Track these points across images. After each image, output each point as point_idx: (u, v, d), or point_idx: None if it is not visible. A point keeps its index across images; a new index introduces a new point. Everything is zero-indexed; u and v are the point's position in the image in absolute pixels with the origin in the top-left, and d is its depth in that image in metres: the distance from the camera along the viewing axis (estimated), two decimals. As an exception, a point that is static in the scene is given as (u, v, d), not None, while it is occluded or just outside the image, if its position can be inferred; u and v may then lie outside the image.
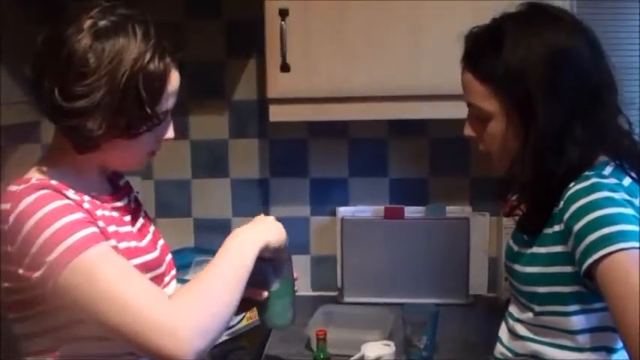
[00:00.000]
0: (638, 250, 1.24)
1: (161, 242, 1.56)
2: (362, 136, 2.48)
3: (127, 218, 1.48)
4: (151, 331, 1.21)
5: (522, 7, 1.45)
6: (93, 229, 1.28)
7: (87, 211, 1.32)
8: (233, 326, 2.10)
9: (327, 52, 2.05)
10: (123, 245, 1.38)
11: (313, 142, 2.50)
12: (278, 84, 2.06)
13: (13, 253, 1.27)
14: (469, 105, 1.48)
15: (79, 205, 1.31)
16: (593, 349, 1.39)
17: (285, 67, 2.04)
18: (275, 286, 1.56)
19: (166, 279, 1.51)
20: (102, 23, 1.31)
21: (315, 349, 1.95)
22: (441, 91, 1.99)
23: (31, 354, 1.37)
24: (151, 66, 1.32)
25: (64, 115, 1.31)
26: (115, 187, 1.54)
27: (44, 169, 1.37)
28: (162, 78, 1.35)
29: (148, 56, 1.32)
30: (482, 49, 1.43)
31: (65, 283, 1.23)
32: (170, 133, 1.45)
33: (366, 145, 2.49)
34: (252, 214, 2.47)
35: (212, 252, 2.34)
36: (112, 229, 1.37)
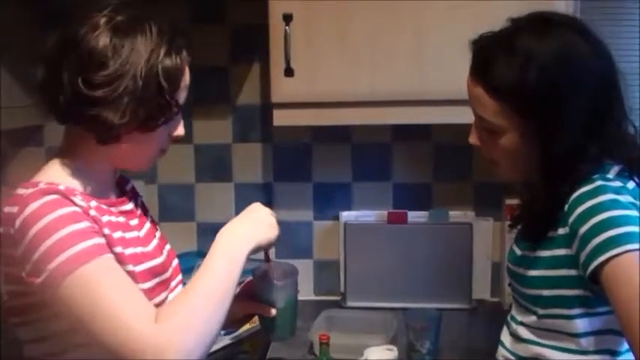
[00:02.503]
0: None
1: (167, 247, 1.56)
2: (365, 140, 2.48)
3: (134, 223, 1.48)
4: (139, 351, 1.22)
5: (529, 17, 1.42)
6: (97, 240, 1.28)
7: (93, 218, 1.32)
8: (234, 331, 2.10)
9: (330, 56, 2.06)
10: (129, 251, 1.38)
11: (317, 147, 2.50)
12: (282, 88, 2.07)
13: (17, 257, 1.27)
14: (478, 117, 1.46)
15: (85, 212, 1.31)
16: (597, 351, 1.39)
17: (289, 72, 2.05)
18: (282, 302, 1.55)
19: (172, 284, 1.52)
20: (119, 19, 1.34)
21: (318, 353, 1.95)
22: (445, 96, 1.99)
23: (32, 359, 1.37)
24: (168, 60, 1.35)
25: (87, 104, 1.32)
26: (122, 191, 1.54)
27: (53, 172, 1.38)
28: (180, 69, 1.38)
29: (164, 49, 1.35)
30: (494, 65, 1.39)
31: (64, 292, 1.24)
32: (181, 130, 1.47)
33: (370, 149, 2.49)
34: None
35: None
36: (117, 235, 1.37)
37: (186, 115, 2.21)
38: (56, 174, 1.37)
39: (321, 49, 2.05)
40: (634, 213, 1.30)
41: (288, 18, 2.02)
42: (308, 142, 2.50)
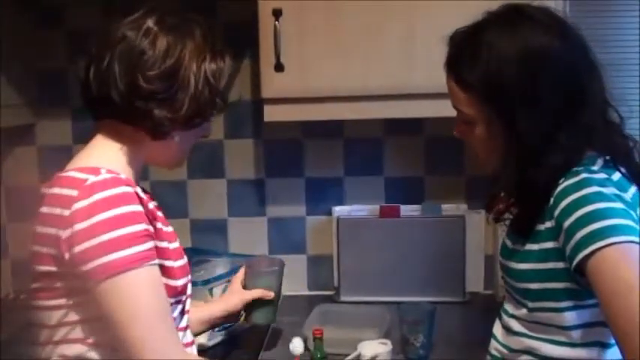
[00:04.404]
0: (628, 244, 1.24)
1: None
2: (357, 135, 2.48)
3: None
4: None
5: (500, 9, 1.44)
6: (148, 245, 1.31)
7: (151, 211, 1.36)
8: (230, 326, 2.10)
9: (321, 51, 2.06)
10: (172, 246, 1.42)
11: (308, 142, 2.50)
12: (272, 84, 2.07)
13: (63, 239, 1.29)
14: (456, 109, 1.49)
15: (145, 206, 1.34)
16: (587, 344, 1.39)
17: (279, 67, 2.05)
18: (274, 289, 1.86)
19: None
20: (168, 21, 1.40)
21: (312, 348, 1.95)
22: (436, 90, 1.96)
23: (64, 342, 1.36)
24: (214, 62, 1.43)
25: (144, 98, 1.36)
26: None
27: (107, 158, 1.40)
28: (223, 69, 1.46)
29: (210, 50, 1.43)
30: (462, 56, 1.43)
31: (102, 290, 1.28)
32: (210, 129, 1.53)
33: (361, 144, 2.49)
34: (249, 215, 2.50)
35: (209, 252, 2.36)
36: (164, 229, 1.42)
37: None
38: (111, 160, 1.39)
39: (311, 44, 2.05)
40: (618, 205, 1.30)
41: (277, 13, 2.02)
42: (299, 138, 2.50)
